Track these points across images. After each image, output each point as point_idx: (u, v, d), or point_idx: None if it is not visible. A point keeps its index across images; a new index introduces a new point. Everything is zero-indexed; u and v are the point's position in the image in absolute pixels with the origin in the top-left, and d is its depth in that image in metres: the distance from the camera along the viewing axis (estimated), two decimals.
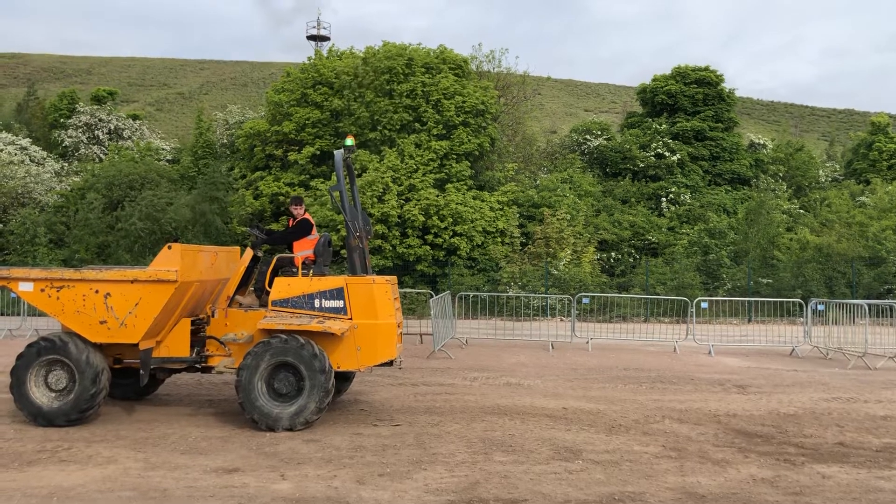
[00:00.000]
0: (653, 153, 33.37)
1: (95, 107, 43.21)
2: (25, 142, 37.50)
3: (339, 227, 24.77)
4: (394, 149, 27.16)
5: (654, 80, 36.82)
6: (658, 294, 24.26)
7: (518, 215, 27.76)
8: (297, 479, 6.85)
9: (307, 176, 27.93)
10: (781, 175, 36.24)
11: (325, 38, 71.74)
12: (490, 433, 8.60)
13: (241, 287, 9.57)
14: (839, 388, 12.05)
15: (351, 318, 8.90)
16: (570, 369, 13.85)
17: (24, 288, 8.83)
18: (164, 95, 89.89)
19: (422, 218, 25.43)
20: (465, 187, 27.23)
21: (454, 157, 27.53)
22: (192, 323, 9.25)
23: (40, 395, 8.69)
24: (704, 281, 26.21)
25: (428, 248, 25.57)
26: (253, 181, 28.76)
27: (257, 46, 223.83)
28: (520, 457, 7.66)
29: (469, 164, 27.80)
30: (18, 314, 19.14)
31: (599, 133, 35.55)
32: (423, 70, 28.55)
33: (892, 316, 15.71)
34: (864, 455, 7.94)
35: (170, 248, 8.81)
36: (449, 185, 26.84)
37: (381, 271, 20.39)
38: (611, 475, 7.08)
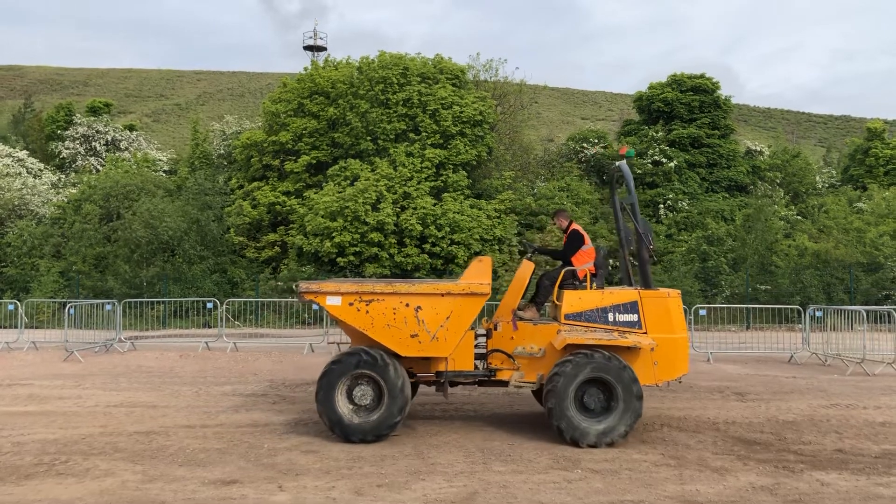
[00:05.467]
0: (650, 160, 33.42)
1: (93, 118, 43.30)
2: (22, 154, 37.63)
3: (333, 234, 24.80)
4: (385, 159, 27.19)
5: (650, 87, 36.85)
6: None
7: (516, 223, 27.77)
8: (295, 490, 6.83)
9: (303, 185, 27.98)
10: (779, 181, 36.26)
11: (321, 49, 72.01)
12: (489, 443, 8.58)
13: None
14: (838, 395, 12.03)
15: (646, 333, 8.76)
16: None
17: (332, 302, 8.57)
18: (161, 106, 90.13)
19: (419, 227, 25.45)
20: (462, 196, 27.25)
21: (451, 166, 27.57)
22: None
23: (343, 406, 8.52)
24: (703, 288, 26.20)
25: (426, 256, 25.59)
26: (250, 191, 28.80)
27: (259, 55, 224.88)
28: (518, 466, 7.64)
29: (466, 173, 27.83)
30: (16, 327, 19.11)
31: (596, 141, 35.60)
32: (418, 80, 28.63)
33: (890, 322, 15.71)
34: (863, 462, 7.92)
35: (481, 261, 8.73)
36: (445, 195, 26.85)
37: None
38: (610, 484, 7.06)
